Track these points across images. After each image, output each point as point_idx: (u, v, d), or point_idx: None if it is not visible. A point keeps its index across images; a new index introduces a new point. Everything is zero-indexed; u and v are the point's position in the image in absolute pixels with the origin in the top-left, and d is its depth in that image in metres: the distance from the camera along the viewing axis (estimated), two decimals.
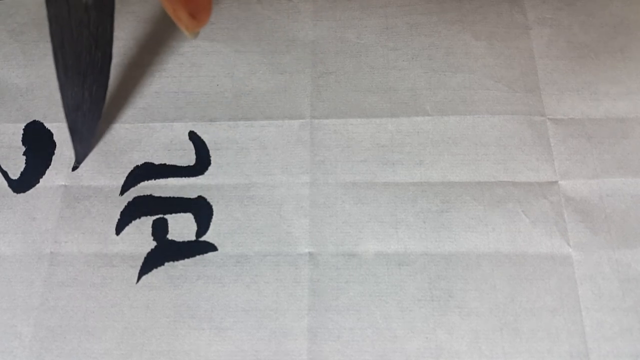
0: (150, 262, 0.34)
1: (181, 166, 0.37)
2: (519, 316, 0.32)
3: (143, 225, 0.35)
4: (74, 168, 0.37)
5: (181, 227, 0.35)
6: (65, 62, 0.32)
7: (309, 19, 0.41)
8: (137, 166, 0.37)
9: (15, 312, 0.33)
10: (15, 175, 0.37)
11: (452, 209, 0.35)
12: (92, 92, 0.33)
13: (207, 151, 0.37)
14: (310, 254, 0.34)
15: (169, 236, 0.35)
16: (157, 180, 0.36)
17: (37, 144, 0.38)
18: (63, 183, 0.37)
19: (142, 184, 0.36)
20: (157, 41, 0.40)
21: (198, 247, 0.34)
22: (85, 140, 0.37)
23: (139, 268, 0.34)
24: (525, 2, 0.41)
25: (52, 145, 0.38)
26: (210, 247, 0.34)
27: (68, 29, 0.29)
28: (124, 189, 0.36)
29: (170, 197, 0.36)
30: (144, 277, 0.34)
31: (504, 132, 0.36)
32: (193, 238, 0.35)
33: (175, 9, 0.25)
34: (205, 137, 0.37)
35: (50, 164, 0.37)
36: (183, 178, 0.36)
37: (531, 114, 0.37)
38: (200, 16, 0.26)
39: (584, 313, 0.32)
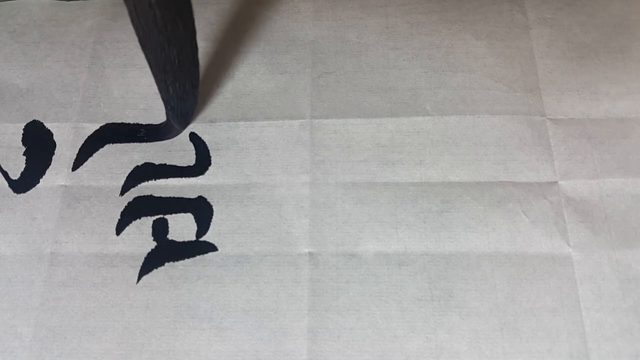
0: (151, 262, 0.34)
1: (181, 166, 0.37)
2: (519, 316, 0.32)
3: (143, 226, 0.35)
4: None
5: (181, 227, 0.35)
6: (147, 58, 0.32)
7: (309, 19, 0.41)
8: (138, 166, 0.37)
9: (16, 312, 0.33)
10: (15, 175, 0.37)
11: (452, 209, 0.35)
12: (176, 89, 0.33)
13: (208, 151, 0.37)
14: (310, 254, 0.34)
15: (169, 236, 0.35)
16: (158, 181, 0.36)
17: (37, 144, 0.38)
18: (63, 183, 0.37)
19: (142, 184, 0.36)
20: None
21: (198, 247, 0.34)
22: (175, 132, 0.37)
23: (139, 268, 0.34)
24: (526, 2, 0.41)
25: (52, 145, 0.38)
26: (211, 247, 0.34)
27: (140, 26, 0.29)
28: (124, 189, 0.36)
29: (170, 198, 0.36)
30: (144, 277, 0.34)
31: (504, 132, 0.36)
32: (193, 238, 0.35)
33: None
34: (205, 138, 0.37)
35: (50, 164, 0.37)
36: (183, 178, 0.36)
37: (531, 114, 0.37)
38: None
39: (584, 313, 0.32)
